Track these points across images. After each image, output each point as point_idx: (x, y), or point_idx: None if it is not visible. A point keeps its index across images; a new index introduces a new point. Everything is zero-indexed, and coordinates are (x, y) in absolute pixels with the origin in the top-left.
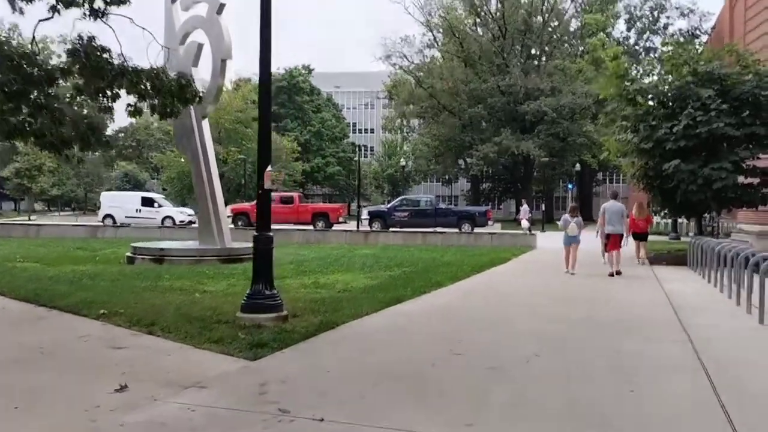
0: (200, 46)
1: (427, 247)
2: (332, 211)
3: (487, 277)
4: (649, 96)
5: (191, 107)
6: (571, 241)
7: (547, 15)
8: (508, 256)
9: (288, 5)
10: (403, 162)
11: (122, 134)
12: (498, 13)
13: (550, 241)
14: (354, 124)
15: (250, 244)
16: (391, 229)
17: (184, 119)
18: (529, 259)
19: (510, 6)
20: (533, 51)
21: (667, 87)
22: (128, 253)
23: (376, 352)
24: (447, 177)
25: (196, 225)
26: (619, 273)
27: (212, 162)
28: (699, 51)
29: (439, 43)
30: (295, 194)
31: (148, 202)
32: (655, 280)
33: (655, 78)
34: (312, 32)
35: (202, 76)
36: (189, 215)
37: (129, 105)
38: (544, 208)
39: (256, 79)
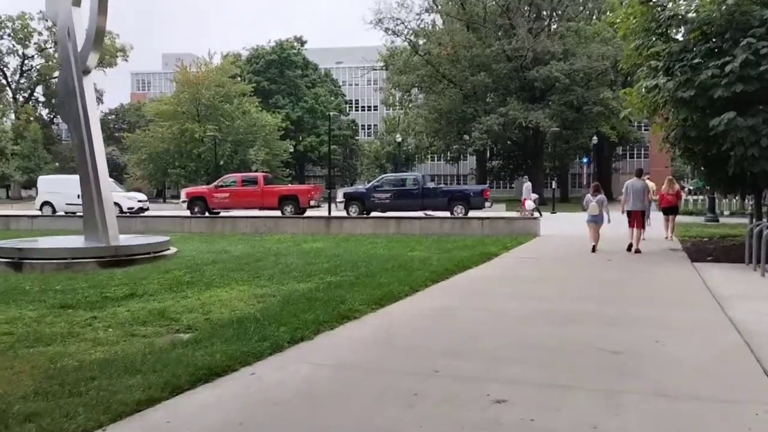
0: None
1: (400, 238)
2: (302, 194)
3: (445, 293)
4: (689, 25)
5: (72, 60)
6: (594, 220)
7: None
8: (496, 249)
9: None
10: (399, 138)
11: (112, 116)
12: None
13: (560, 225)
14: (356, 101)
15: (146, 240)
16: (372, 214)
17: (66, 77)
18: (525, 253)
19: None
20: (543, 12)
21: (714, 8)
22: None
23: None
24: (451, 154)
25: (147, 213)
26: (638, 251)
27: (96, 133)
28: None
29: (439, 6)
30: (259, 174)
31: None
32: (709, 296)
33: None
34: (318, 5)
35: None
36: (140, 201)
37: None
38: (555, 186)
39: (245, 53)
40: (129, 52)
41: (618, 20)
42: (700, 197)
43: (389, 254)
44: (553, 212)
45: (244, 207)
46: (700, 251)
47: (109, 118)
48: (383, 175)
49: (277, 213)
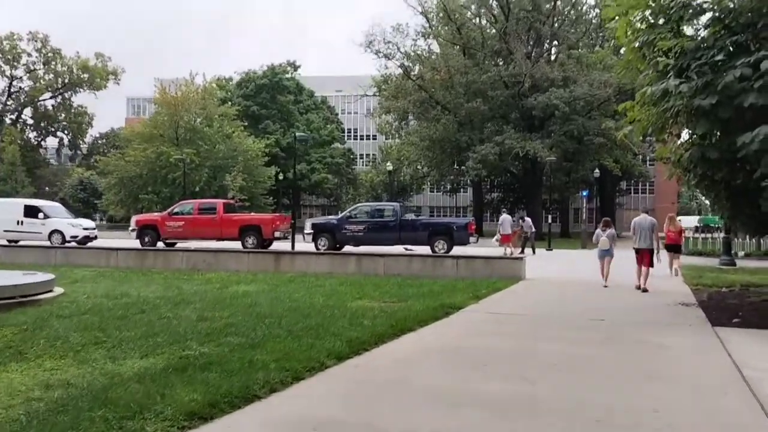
0: None
1: (358, 278)
2: (266, 224)
3: (335, 386)
4: (708, 16)
5: None
6: (604, 255)
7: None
8: (463, 299)
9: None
10: (390, 167)
11: (102, 141)
12: None
13: (553, 265)
14: (355, 130)
15: (12, 281)
16: (346, 248)
17: None
18: (497, 306)
19: None
20: (543, 38)
21: None
22: None
23: None
24: (446, 185)
25: (95, 243)
26: (645, 290)
27: None
28: None
29: (433, 29)
30: (219, 201)
31: (31, 212)
32: (749, 399)
33: None
34: (326, 33)
35: None
36: (85, 229)
37: None
38: (550, 221)
39: (236, 77)
40: (120, 75)
41: (615, 14)
42: (710, 236)
43: (323, 304)
44: (549, 249)
45: (201, 237)
46: (720, 308)
47: (99, 142)
48: (357, 205)
49: (237, 245)
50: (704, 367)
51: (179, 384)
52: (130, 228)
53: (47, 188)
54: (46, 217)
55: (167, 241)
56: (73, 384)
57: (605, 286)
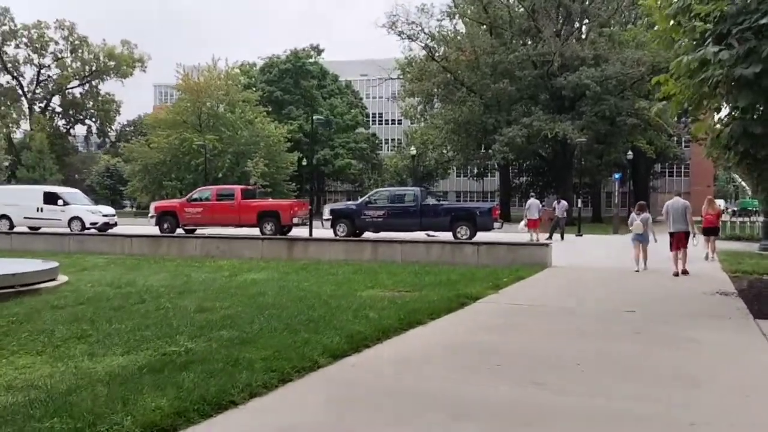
0: None
1: (373, 266)
2: (284, 210)
3: (303, 401)
4: None
5: None
6: (638, 239)
7: None
8: (481, 288)
9: None
10: (413, 151)
11: (130, 128)
12: None
13: (582, 251)
14: (380, 115)
15: (9, 270)
16: (365, 234)
17: None
18: (517, 297)
19: None
20: (573, 16)
21: None
22: None
23: None
24: (472, 169)
25: (114, 230)
26: (686, 272)
27: None
28: None
29: (459, 8)
30: (237, 187)
31: (51, 199)
32: None
33: None
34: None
35: None
36: (105, 215)
37: None
38: (581, 205)
39: (260, 62)
40: (147, 63)
41: None
42: (748, 219)
43: (331, 294)
44: (579, 234)
45: (220, 224)
46: (763, 298)
47: (127, 129)
48: (377, 189)
49: (255, 231)
50: (749, 368)
51: (149, 387)
52: (150, 215)
53: (76, 176)
54: (65, 203)
55: (186, 227)
56: (36, 386)
57: (637, 271)
